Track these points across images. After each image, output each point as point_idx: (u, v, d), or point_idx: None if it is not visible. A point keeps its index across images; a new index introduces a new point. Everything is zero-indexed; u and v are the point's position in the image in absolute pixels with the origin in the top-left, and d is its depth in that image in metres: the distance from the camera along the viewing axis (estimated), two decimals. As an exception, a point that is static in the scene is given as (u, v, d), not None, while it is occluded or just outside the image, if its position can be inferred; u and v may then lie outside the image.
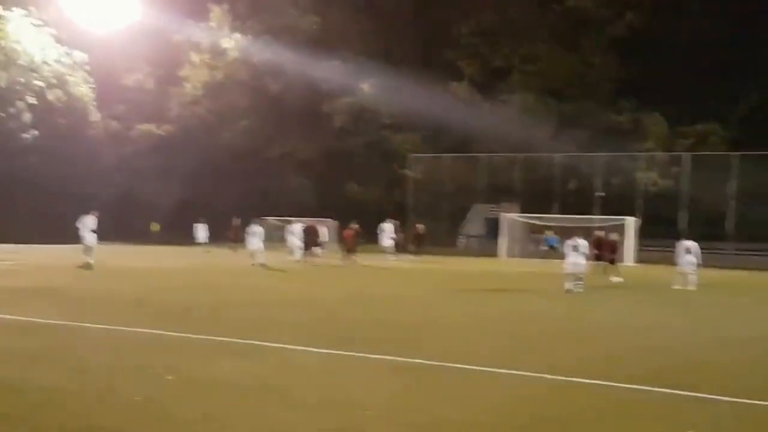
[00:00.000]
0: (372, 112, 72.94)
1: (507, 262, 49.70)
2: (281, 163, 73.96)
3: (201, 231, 52.42)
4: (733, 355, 14.11)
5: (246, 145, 72.28)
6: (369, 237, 47.44)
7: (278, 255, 44.12)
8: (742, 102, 64.02)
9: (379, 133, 73.88)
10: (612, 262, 37.10)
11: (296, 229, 42.63)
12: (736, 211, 55.22)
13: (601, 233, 40.59)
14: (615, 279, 33.53)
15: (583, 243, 26.88)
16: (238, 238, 45.54)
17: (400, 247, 48.04)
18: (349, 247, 42.26)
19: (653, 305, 23.90)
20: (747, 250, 54.79)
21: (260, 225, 39.66)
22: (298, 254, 42.18)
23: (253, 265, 36.61)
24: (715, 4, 64.88)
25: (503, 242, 56.59)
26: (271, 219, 58.05)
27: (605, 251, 37.95)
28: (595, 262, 38.26)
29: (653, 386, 10.72)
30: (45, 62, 64.51)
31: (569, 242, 27.37)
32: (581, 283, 26.10)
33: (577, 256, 26.36)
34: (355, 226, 44.43)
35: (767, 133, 60.51)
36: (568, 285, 26.03)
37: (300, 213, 51.59)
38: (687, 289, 28.88)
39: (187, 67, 74.85)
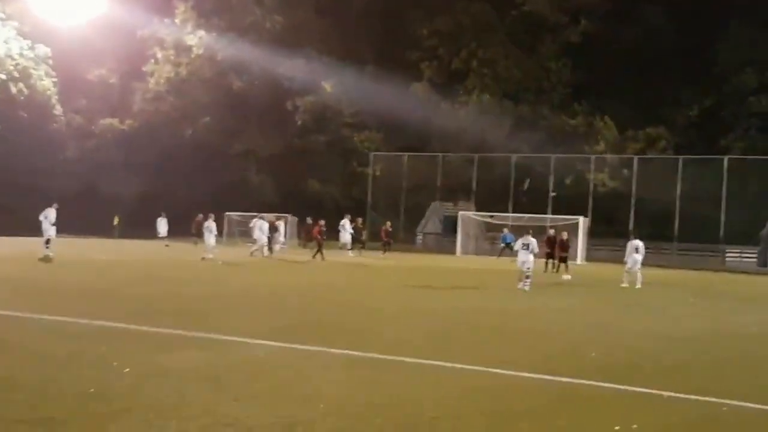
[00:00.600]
0: (334, 110, 72.81)
1: (462, 260, 49.87)
2: (243, 160, 73.54)
3: (162, 225, 51.93)
4: (677, 351, 14.23)
5: (208, 141, 71.75)
6: (328, 233, 47.34)
7: (239, 250, 43.92)
8: (688, 108, 64.85)
9: (340, 132, 73.77)
10: (563, 260, 37.35)
11: (264, 225, 42.39)
12: (680, 212, 55.80)
13: (552, 232, 40.90)
14: (565, 277, 33.74)
15: (533, 241, 26.53)
16: (200, 233, 45.20)
17: (360, 244, 47.99)
18: (318, 243, 42.07)
19: (601, 303, 24.12)
20: (690, 250, 55.50)
21: (213, 220, 39.25)
22: (265, 250, 42.05)
23: (203, 259, 36.28)
24: (665, 13, 65.64)
25: (459, 240, 56.75)
26: (232, 214, 57.80)
27: (556, 249, 38.23)
28: (547, 260, 38.72)
29: (597, 381, 10.76)
30: (8, 55, 63.53)
31: (520, 240, 27.05)
32: (529, 281, 25.85)
33: (526, 254, 26.05)
34: (310, 222, 44.40)
35: (711, 138, 61.54)
36: (520, 284, 25.92)
37: (261, 209, 51.28)
38: (635, 288, 29.18)
39: (151, 63, 74.11)
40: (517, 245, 27.12)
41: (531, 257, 26.00)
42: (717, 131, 62.58)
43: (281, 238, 47.32)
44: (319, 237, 42.33)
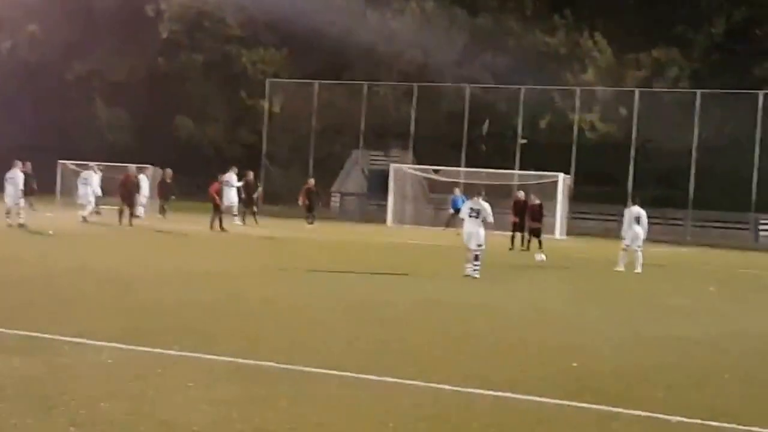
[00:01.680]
0: (214, 18, 72.09)
1: (395, 231, 50.01)
2: (85, 87, 72.59)
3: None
4: (690, 360, 14.49)
5: (35, 59, 70.59)
6: (198, 190, 47.21)
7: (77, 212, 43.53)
8: (711, 24, 65.33)
9: (224, 49, 73.12)
10: (535, 233, 37.77)
11: (93, 178, 42.44)
12: (698, 168, 56.23)
13: (521, 194, 41.27)
14: (538, 257, 34.04)
15: (485, 206, 25.72)
16: (31, 190, 44.48)
17: (250, 208, 47.79)
18: (216, 205, 42.09)
19: (586, 293, 24.40)
20: (710, 220, 56.30)
21: (23, 170, 38.62)
22: (88, 210, 42.48)
23: (9, 225, 35.82)
24: None
25: (391, 203, 56.84)
26: (67, 163, 57.03)
27: (526, 219, 38.59)
28: (514, 233, 39.13)
29: (581, 401, 10.92)
30: None
31: (468, 205, 26.56)
32: (478, 263, 25.38)
33: (476, 224, 25.54)
34: (170, 174, 44.66)
35: (742, 65, 62.06)
36: (468, 267, 25.46)
37: (112, 155, 50.82)
38: (633, 272, 29.75)
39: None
40: (463, 212, 26.61)
41: (481, 230, 25.55)
42: (750, 56, 63.27)
43: (143, 199, 47.11)
44: (217, 198, 42.34)
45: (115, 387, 10.57)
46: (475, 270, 25.25)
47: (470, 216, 25.65)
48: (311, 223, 48.40)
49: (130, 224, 40.92)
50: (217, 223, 40.86)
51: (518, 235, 39.16)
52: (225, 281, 22.35)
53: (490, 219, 25.68)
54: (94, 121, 71.52)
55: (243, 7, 69.54)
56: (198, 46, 73.15)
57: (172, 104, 71.23)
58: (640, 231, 30.92)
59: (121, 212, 41.62)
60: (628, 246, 30.92)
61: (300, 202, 50.17)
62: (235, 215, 45.44)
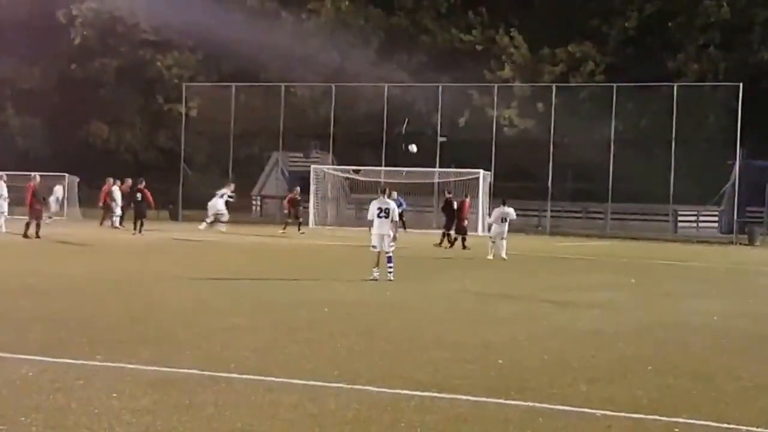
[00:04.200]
0: (127, 23, 71.54)
1: (318, 233, 49.97)
2: (-4, 94, 71.79)
3: None
4: (611, 353, 14.64)
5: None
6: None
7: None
8: (624, 18, 65.94)
9: (138, 54, 72.58)
10: (462, 231, 38.21)
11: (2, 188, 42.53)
12: (615, 161, 56.49)
13: (451, 195, 41.81)
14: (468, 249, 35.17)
15: (392, 205, 25.13)
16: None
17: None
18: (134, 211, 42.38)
19: (507, 288, 24.58)
20: (629, 213, 56.88)
21: None
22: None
23: None
24: None
25: (313, 205, 56.79)
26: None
27: (457, 217, 38.98)
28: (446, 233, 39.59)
29: (507, 399, 11.01)
30: None
31: (375, 204, 25.20)
32: (392, 265, 24.57)
33: (385, 224, 24.66)
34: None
35: (656, 58, 62.75)
36: (375, 270, 24.44)
37: (24, 164, 50.16)
38: (492, 259, 32.93)
39: None
40: (371, 212, 25.21)
41: (389, 229, 24.73)
42: (663, 49, 63.97)
43: (54, 206, 46.80)
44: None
45: (36, 400, 10.43)
46: (389, 272, 24.43)
47: (379, 216, 24.75)
48: (300, 230, 48.67)
49: (37, 236, 40.38)
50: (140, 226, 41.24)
51: (446, 233, 39.56)
52: (140, 288, 22.16)
53: (396, 218, 25.28)
54: (5, 129, 70.70)
55: (156, 11, 69.05)
56: (111, 52, 72.54)
57: (86, 110, 70.64)
58: (506, 227, 33.95)
59: (28, 224, 41.19)
60: (493, 238, 33.90)
61: (286, 211, 50.57)
62: (224, 222, 46.11)
